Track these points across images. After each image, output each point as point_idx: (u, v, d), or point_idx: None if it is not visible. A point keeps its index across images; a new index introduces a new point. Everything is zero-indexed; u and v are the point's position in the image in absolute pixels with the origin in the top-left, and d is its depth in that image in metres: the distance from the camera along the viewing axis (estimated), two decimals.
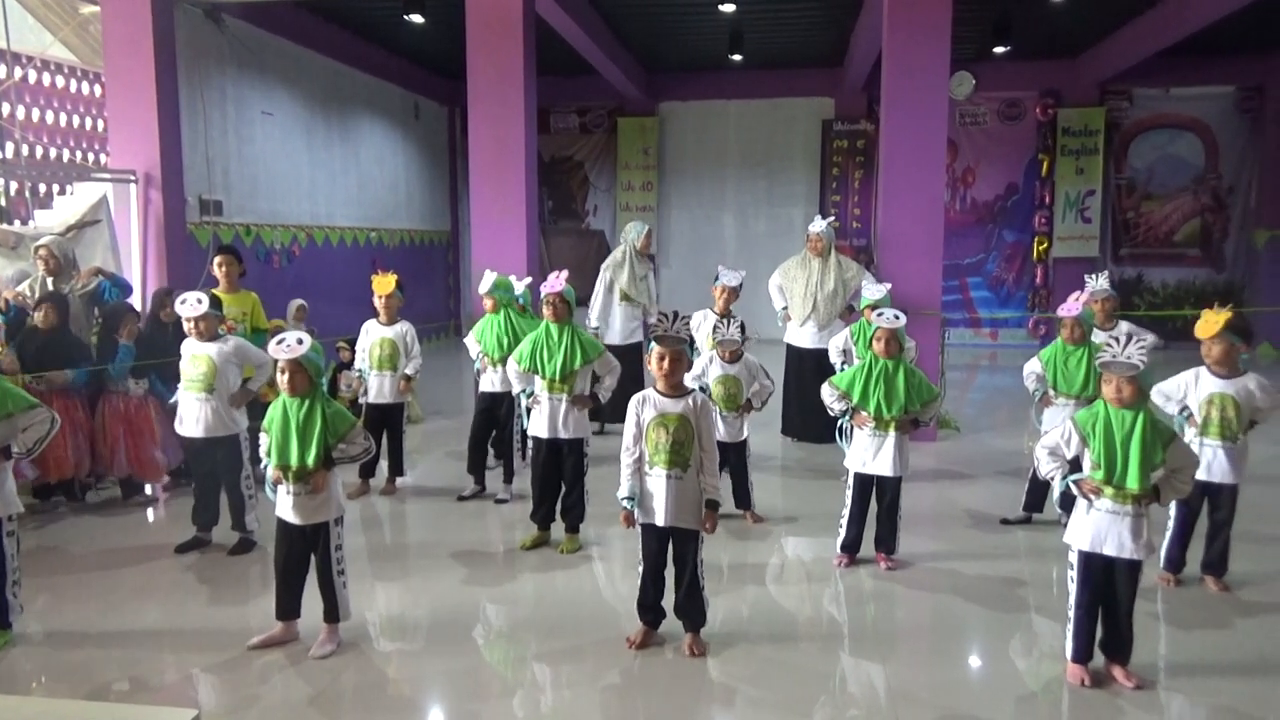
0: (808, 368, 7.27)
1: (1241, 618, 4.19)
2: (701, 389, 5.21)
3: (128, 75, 7.86)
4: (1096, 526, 3.42)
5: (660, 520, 3.69)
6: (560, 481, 5.03)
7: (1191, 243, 13.61)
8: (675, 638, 3.85)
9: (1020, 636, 4.04)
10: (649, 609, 3.86)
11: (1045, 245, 13.71)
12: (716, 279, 6.52)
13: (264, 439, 3.79)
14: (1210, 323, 4.24)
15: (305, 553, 3.82)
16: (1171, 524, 4.50)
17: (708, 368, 5.44)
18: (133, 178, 7.85)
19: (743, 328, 5.42)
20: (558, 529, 5.10)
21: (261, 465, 3.86)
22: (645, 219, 14.53)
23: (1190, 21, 9.75)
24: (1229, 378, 4.31)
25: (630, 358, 7.28)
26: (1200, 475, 3.95)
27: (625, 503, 3.74)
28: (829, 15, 10.84)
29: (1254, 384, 4.30)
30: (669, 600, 3.86)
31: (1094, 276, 5.86)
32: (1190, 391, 4.40)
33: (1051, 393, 5.21)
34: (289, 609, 3.86)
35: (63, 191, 8.09)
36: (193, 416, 4.88)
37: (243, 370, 5.01)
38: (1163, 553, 4.47)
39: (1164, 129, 13.48)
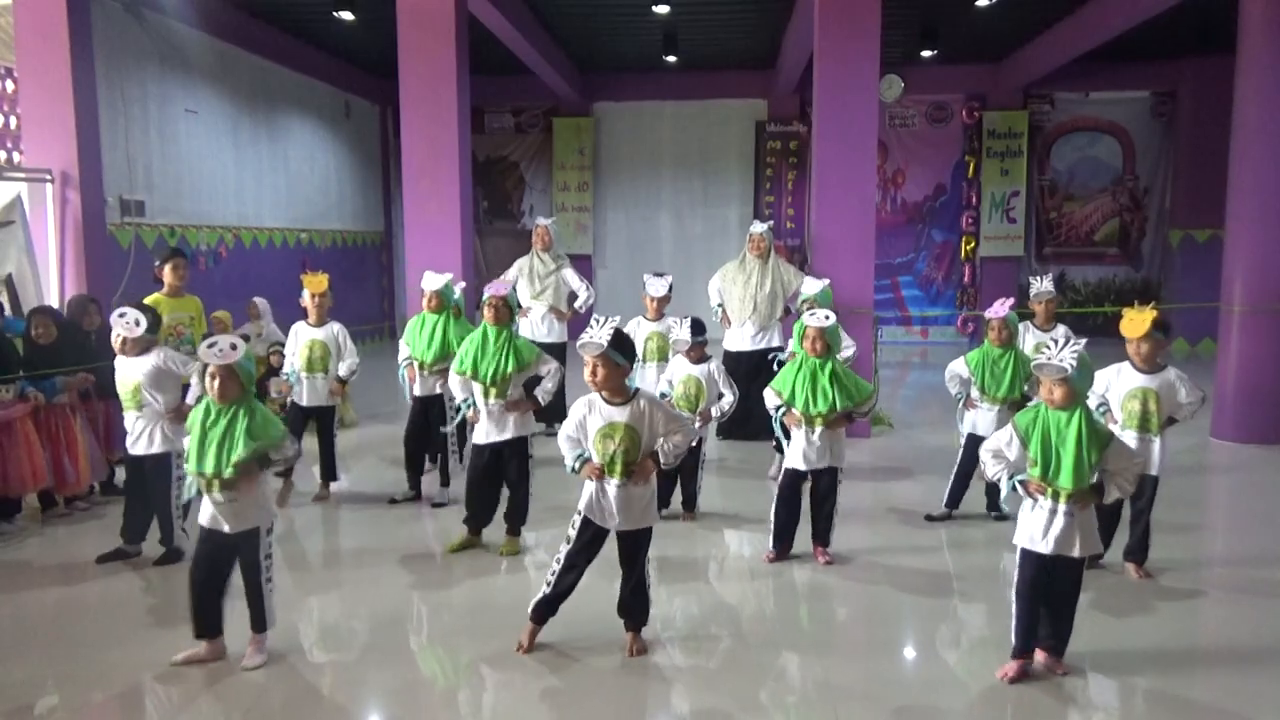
0: (744, 370, 7.31)
1: (1162, 602, 4.35)
2: (662, 395, 5.21)
3: (42, 70, 7.57)
4: (1038, 525, 3.48)
5: (610, 524, 3.68)
6: (496, 488, 4.95)
7: (1110, 242, 14.12)
8: (603, 639, 3.85)
9: (954, 628, 4.14)
10: (551, 606, 3.77)
11: (972, 245, 14.07)
12: (645, 288, 6.54)
13: (185, 442, 3.62)
14: (1139, 322, 4.31)
15: (227, 563, 3.63)
16: None
17: (674, 367, 5.47)
18: (48, 177, 7.56)
19: (698, 326, 5.40)
20: (489, 534, 5.03)
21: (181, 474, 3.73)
22: (581, 219, 14.55)
23: (1108, 28, 10.11)
24: (1151, 372, 4.44)
25: (554, 356, 7.20)
26: None
27: (577, 464, 3.68)
28: (761, 18, 10.94)
29: (1174, 376, 4.44)
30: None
31: (1038, 278, 6.02)
32: (1112, 386, 4.52)
33: (976, 395, 5.33)
34: (210, 626, 3.64)
35: None
36: (128, 433, 4.75)
37: (180, 381, 4.74)
38: None
39: (1084, 132, 13.96)
